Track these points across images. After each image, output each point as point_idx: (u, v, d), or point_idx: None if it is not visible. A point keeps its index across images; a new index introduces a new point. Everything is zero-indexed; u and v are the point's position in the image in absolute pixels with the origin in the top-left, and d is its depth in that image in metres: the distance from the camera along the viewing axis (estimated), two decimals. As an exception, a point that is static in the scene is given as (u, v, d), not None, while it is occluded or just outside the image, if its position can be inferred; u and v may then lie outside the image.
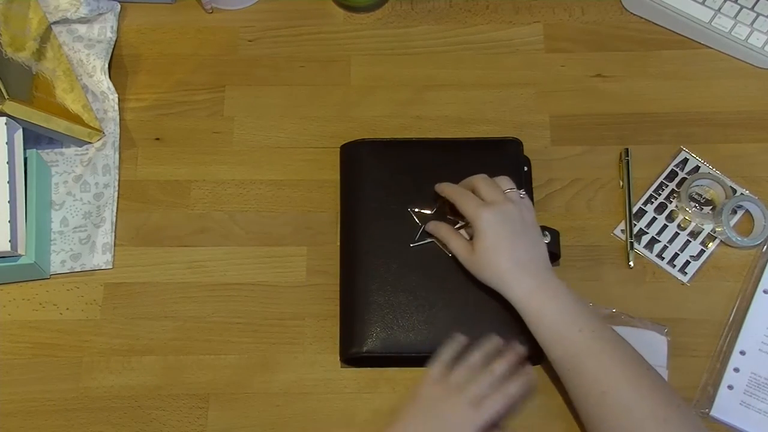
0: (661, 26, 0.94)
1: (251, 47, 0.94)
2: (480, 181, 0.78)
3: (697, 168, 0.87)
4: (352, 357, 0.78)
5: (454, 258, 0.80)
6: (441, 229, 0.79)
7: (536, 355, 0.78)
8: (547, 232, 0.79)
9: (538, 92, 0.91)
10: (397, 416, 0.72)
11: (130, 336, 0.82)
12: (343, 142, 0.87)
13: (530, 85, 0.91)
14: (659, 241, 0.84)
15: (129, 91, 0.92)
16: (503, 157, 0.85)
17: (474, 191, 0.77)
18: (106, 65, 0.91)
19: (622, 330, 0.78)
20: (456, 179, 0.83)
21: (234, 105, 0.91)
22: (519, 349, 0.75)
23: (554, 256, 0.79)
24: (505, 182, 0.78)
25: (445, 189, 0.80)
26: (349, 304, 0.80)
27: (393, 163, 0.85)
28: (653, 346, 0.78)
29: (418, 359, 0.78)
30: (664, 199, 0.86)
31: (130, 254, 0.85)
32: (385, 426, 0.71)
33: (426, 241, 0.81)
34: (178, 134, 0.90)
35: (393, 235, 0.81)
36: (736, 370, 0.78)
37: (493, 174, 0.82)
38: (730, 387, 0.77)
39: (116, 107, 0.90)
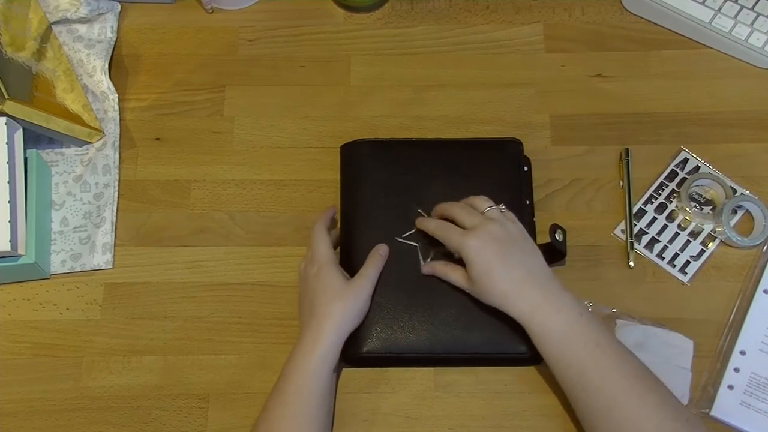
0: (661, 26, 0.94)
1: (251, 47, 0.94)
2: (455, 208, 0.77)
3: (697, 168, 0.87)
4: (352, 357, 0.77)
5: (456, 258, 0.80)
6: (437, 268, 0.79)
7: (537, 356, 0.78)
8: (560, 230, 0.79)
9: (538, 92, 0.91)
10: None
11: (130, 336, 0.82)
12: (343, 142, 0.87)
13: (530, 85, 0.91)
14: (659, 241, 0.84)
15: (129, 91, 0.92)
16: (503, 158, 0.85)
17: (452, 221, 0.77)
18: (106, 65, 0.91)
19: (650, 331, 0.78)
20: (456, 179, 0.83)
21: (234, 105, 0.91)
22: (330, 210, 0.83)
23: (561, 255, 0.79)
24: (482, 202, 0.78)
25: (426, 225, 0.79)
26: (349, 304, 0.80)
27: (393, 163, 0.85)
28: (680, 348, 0.78)
29: (418, 359, 0.79)
30: (664, 199, 0.86)
31: (130, 254, 0.85)
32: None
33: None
34: (178, 134, 0.90)
35: (393, 236, 0.81)
36: (736, 370, 0.78)
37: (493, 175, 0.83)
38: (731, 387, 0.77)
39: (116, 107, 0.90)
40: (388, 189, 0.83)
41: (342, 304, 0.74)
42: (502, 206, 0.78)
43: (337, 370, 0.77)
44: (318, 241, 0.78)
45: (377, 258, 0.79)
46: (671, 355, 0.78)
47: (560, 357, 0.71)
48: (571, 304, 0.72)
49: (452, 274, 0.77)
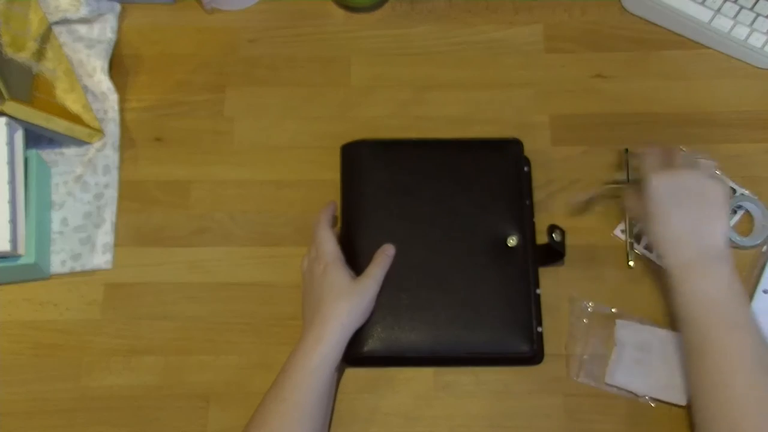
0: (661, 26, 0.94)
1: (251, 47, 0.94)
2: (679, 150, 0.77)
3: (697, 168, 0.87)
4: (353, 357, 0.77)
5: (456, 258, 0.80)
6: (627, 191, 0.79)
7: (537, 355, 0.78)
8: (558, 231, 0.79)
9: (538, 92, 0.91)
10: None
11: (130, 336, 0.82)
12: (343, 142, 0.87)
13: (530, 85, 0.91)
14: (659, 241, 0.84)
15: (129, 91, 0.92)
16: (503, 158, 0.85)
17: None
18: (107, 65, 0.91)
19: (650, 331, 0.79)
20: (456, 179, 0.83)
21: (234, 105, 0.91)
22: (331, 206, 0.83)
23: (559, 255, 0.79)
24: (705, 159, 0.77)
25: (648, 148, 0.79)
26: (350, 304, 0.80)
27: (393, 164, 0.85)
28: (680, 347, 0.78)
29: (419, 360, 0.79)
30: (664, 199, 0.86)
31: (130, 254, 0.85)
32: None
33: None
34: (178, 134, 0.90)
35: (393, 236, 0.81)
36: (736, 370, 0.78)
37: (493, 175, 0.83)
38: (730, 387, 0.77)
39: (116, 107, 0.90)
40: (389, 189, 0.83)
41: (347, 303, 0.74)
42: (715, 164, 0.78)
43: (339, 370, 0.77)
44: (324, 239, 0.79)
45: (384, 258, 0.79)
46: (672, 355, 0.78)
47: (687, 321, 0.70)
48: (718, 277, 0.70)
49: (630, 199, 0.78)
